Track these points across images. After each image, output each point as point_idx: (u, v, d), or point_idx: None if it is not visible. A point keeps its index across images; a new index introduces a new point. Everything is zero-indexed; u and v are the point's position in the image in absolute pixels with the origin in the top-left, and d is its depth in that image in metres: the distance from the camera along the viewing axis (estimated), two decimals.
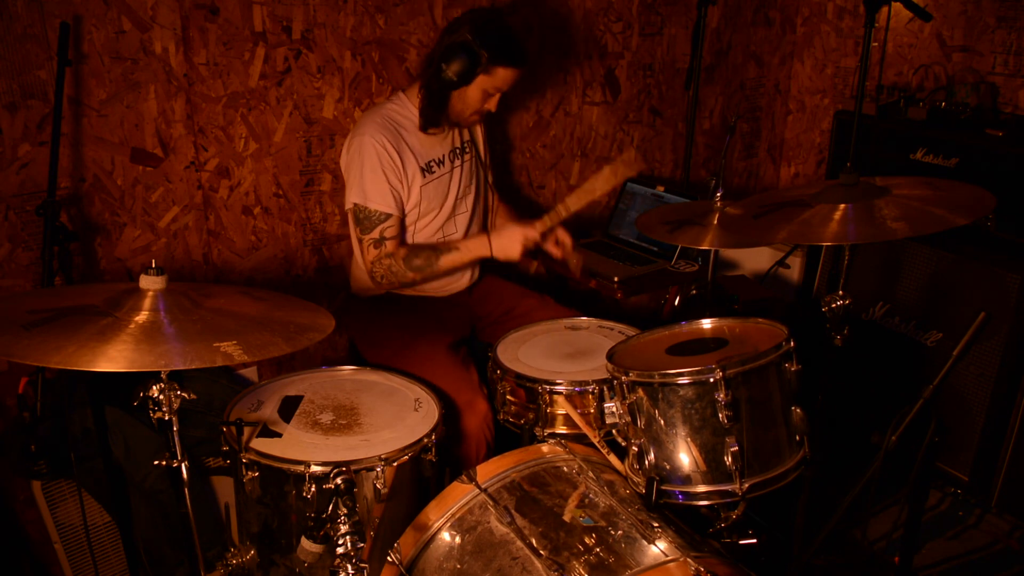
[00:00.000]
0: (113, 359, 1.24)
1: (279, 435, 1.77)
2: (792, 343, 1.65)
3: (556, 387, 1.92)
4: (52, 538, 2.08)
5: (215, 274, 2.45)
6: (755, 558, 1.76)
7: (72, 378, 2.02)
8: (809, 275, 3.12)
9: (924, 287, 2.63)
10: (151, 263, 1.44)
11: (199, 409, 2.13)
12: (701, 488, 1.60)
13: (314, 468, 1.63)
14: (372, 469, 1.68)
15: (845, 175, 1.74)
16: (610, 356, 1.74)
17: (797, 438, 1.66)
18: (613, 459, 1.77)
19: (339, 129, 2.54)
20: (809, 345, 1.73)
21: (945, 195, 1.71)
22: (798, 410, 1.65)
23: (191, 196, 2.36)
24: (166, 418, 1.42)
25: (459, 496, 1.64)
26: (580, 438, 1.89)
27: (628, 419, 1.66)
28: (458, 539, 1.58)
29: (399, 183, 2.22)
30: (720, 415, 1.55)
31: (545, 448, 1.78)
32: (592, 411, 1.92)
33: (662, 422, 1.61)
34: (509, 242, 2.22)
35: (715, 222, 2.05)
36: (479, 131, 2.50)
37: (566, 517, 1.57)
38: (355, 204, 2.20)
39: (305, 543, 1.57)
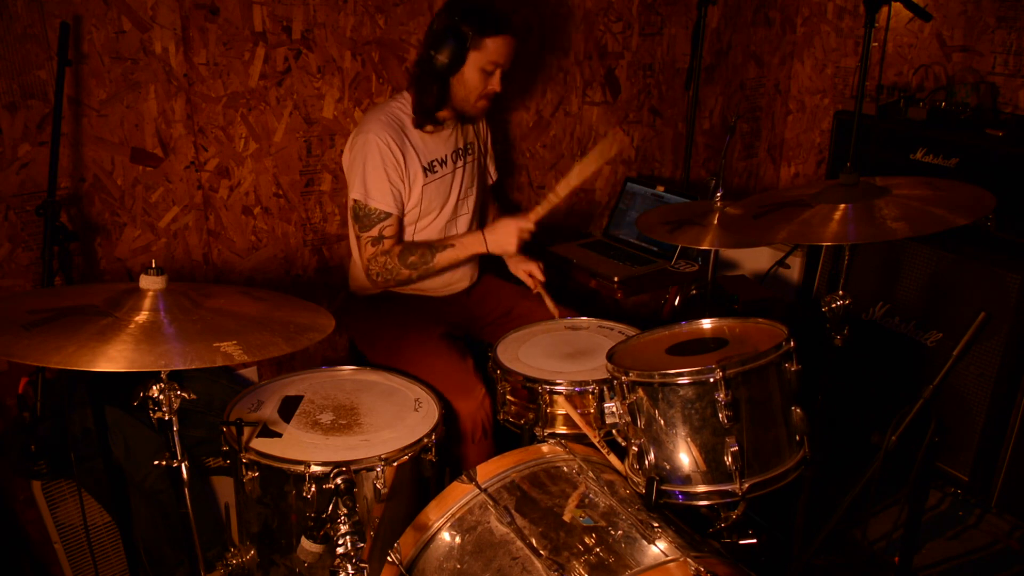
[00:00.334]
0: (113, 359, 1.24)
1: (279, 435, 1.77)
2: (792, 343, 1.65)
3: (556, 387, 1.92)
4: (52, 538, 2.08)
5: (215, 274, 2.45)
6: (755, 558, 1.76)
7: (72, 378, 2.02)
8: (809, 275, 3.12)
9: (924, 287, 2.63)
10: (151, 263, 1.44)
11: (199, 409, 2.13)
12: (701, 488, 1.60)
13: (314, 468, 1.64)
14: (372, 469, 1.68)
15: (845, 175, 1.74)
16: (610, 356, 1.74)
17: (797, 438, 1.66)
18: (613, 459, 1.77)
19: (339, 129, 2.54)
20: (809, 345, 1.73)
21: (945, 195, 1.71)
22: (798, 410, 1.65)
23: (191, 196, 2.36)
24: (166, 418, 1.42)
25: (459, 496, 1.64)
26: (580, 438, 1.89)
27: (628, 419, 1.66)
28: (458, 539, 1.58)
29: (401, 182, 2.22)
30: (720, 415, 1.55)
31: (545, 448, 1.78)
32: (592, 411, 1.92)
33: (662, 422, 1.61)
34: (504, 235, 2.23)
35: (715, 222, 2.06)
36: (483, 131, 2.50)
37: (566, 517, 1.57)
38: (355, 201, 2.20)
39: (305, 543, 1.57)
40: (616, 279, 2.62)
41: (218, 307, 1.46)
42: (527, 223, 2.22)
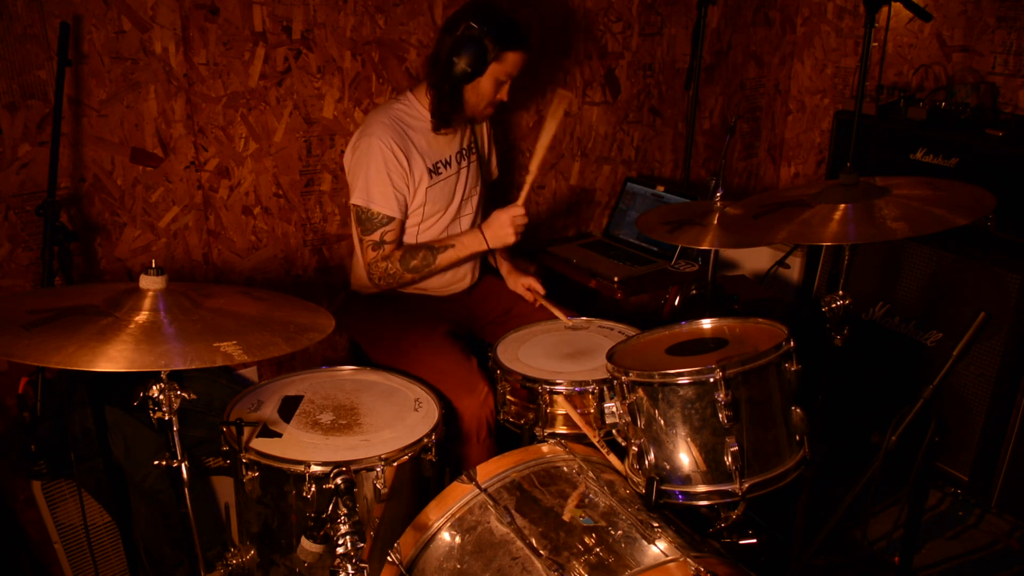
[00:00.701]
0: (113, 359, 1.24)
1: (279, 435, 1.77)
2: (792, 343, 1.65)
3: (556, 387, 1.92)
4: (52, 538, 2.08)
5: (215, 274, 2.45)
6: (755, 558, 1.76)
7: (72, 378, 2.02)
8: (809, 275, 3.12)
9: (924, 287, 2.63)
10: (151, 263, 1.44)
11: (199, 409, 2.13)
12: (701, 488, 1.60)
13: (314, 468, 1.64)
14: (372, 469, 1.68)
15: (845, 175, 1.74)
16: (610, 356, 1.74)
17: (797, 438, 1.66)
18: (613, 459, 1.77)
19: (339, 129, 2.54)
20: (809, 345, 1.73)
21: (945, 195, 1.71)
22: (798, 410, 1.65)
23: (191, 196, 2.36)
24: (166, 418, 1.42)
25: (459, 496, 1.64)
26: (580, 438, 1.89)
27: (628, 419, 1.66)
28: (458, 539, 1.58)
29: (404, 186, 2.22)
30: (720, 415, 1.55)
31: (545, 448, 1.78)
32: (592, 411, 1.92)
33: (662, 422, 1.61)
34: (500, 228, 2.24)
35: (715, 222, 2.05)
36: (485, 131, 2.50)
37: (566, 517, 1.57)
38: (357, 205, 2.20)
39: (305, 543, 1.57)
40: (616, 279, 2.62)
41: (218, 307, 1.46)
42: (517, 209, 2.23)
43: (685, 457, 1.61)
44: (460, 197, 2.37)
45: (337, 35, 2.45)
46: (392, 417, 1.86)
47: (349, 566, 1.47)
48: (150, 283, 1.42)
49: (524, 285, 2.40)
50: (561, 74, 2.96)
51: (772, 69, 3.59)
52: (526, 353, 2.10)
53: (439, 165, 2.29)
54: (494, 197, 2.74)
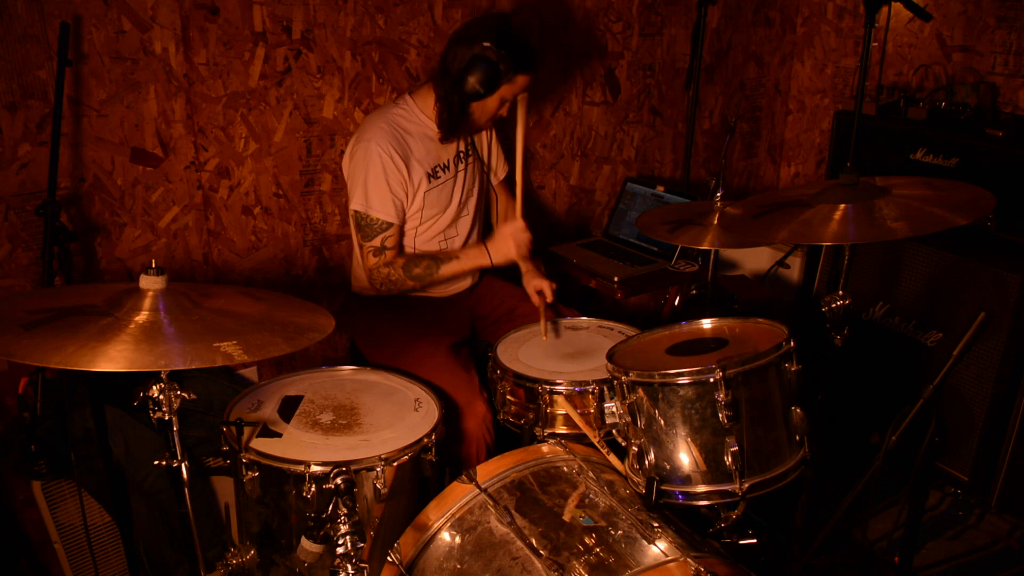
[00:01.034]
0: (113, 359, 1.24)
1: (279, 435, 1.77)
2: (792, 343, 1.65)
3: (556, 387, 1.92)
4: (52, 538, 2.08)
5: (215, 274, 2.45)
6: (755, 558, 1.76)
7: (72, 378, 2.02)
8: (809, 275, 3.12)
9: (924, 287, 2.63)
10: (151, 263, 1.44)
11: (199, 409, 2.13)
12: (701, 488, 1.60)
13: (314, 468, 1.63)
14: (372, 469, 1.68)
15: (845, 175, 1.74)
16: (610, 356, 1.74)
17: (797, 438, 1.66)
18: (613, 459, 1.77)
19: (339, 129, 2.54)
20: (809, 345, 1.73)
21: (945, 195, 1.71)
22: (798, 410, 1.65)
23: (191, 196, 2.36)
24: (166, 418, 1.42)
25: (459, 496, 1.64)
26: (580, 438, 1.89)
27: (628, 419, 1.66)
28: (458, 539, 1.58)
29: (402, 192, 2.22)
30: (720, 415, 1.55)
31: (545, 448, 1.79)
32: (592, 411, 1.92)
33: (662, 422, 1.61)
34: (501, 243, 2.24)
35: (715, 222, 2.05)
36: (484, 133, 2.50)
37: (566, 517, 1.57)
38: (356, 211, 2.20)
39: (305, 543, 1.57)
40: (616, 279, 2.62)
41: (218, 307, 1.46)
42: (517, 223, 2.22)
43: (685, 457, 1.61)
44: (458, 200, 2.37)
45: (337, 35, 2.45)
46: (392, 417, 1.86)
47: (349, 566, 1.47)
48: (150, 283, 1.42)
49: (536, 287, 2.37)
50: (561, 74, 2.96)
51: (772, 69, 3.59)
52: (526, 353, 2.10)
53: (437, 169, 2.29)
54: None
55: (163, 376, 1.40)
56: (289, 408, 1.88)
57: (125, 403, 2.03)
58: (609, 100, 3.13)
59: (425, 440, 1.77)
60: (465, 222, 2.42)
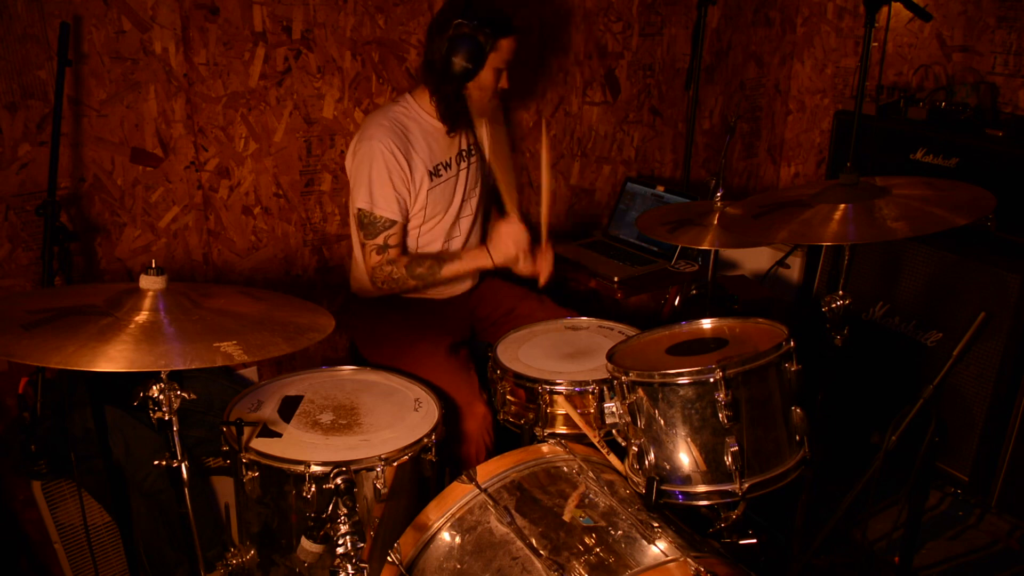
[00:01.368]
0: (113, 359, 1.24)
1: (279, 435, 1.77)
2: (792, 343, 1.65)
3: (556, 387, 1.92)
4: (52, 538, 2.08)
5: (215, 274, 2.45)
6: (755, 558, 1.76)
7: (72, 378, 2.02)
8: (809, 275, 3.12)
9: (924, 287, 2.63)
10: (151, 263, 1.44)
11: (199, 409, 2.13)
12: (701, 488, 1.60)
13: (314, 468, 1.63)
14: (372, 469, 1.68)
15: (845, 175, 1.74)
16: (610, 356, 1.74)
17: (797, 438, 1.66)
18: (613, 459, 1.77)
19: (339, 129, 2.54)
20: (809, 345, 1.73)
21: (945, 195, 1.71)
22: (798, 410, 1.65)
23: (191, 196, 2.36)
24: (166, 418, 1.42)
25: (459, 496, 1.64)
26: (580, 438, 1.88)
27: (628, 419, 1.66)
28: (458, 539, 1.58)
29: (405, 190, 2.21)
30: (720, 415, 1.55)
31: (545, 448, 1.78)
32: (592, 411, 1.92)
33: (662, 422, 1.61)
34: (501, 244, 2.22)
35: (715, 222, 2.05)
36: (485, 132, 2.50)
37: (566, 517, 1.57)
38: (360, 209, 2.20)
39: (305, 543, 1.57)
40: (616, 279, 2.62)
41: (218, 307, 1.46)
42: (514, 224, 2.20)
43: (685, 457, 1.61)
44: (460, 198, 2.37)
45: (337, 35, 2.45)
46: (392, 417, 1.86)
47: (349, 566, 1.47)
48: (150, 283, 1.42)
49: (532, 271, 2.33)
50: (561, 74, 2.97)
51: (772, 69, 3.59)
52: (526, 353, 2.10)
53: (439, 167, 2.29)
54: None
55: (163, 376, 1.40)
56: (289, 408, 1.88)
57: (125, 403, 2.03)
58: (609, 100, 3.13)
59: (425, 440, 1.77)
60: (467, 221, 2.42)
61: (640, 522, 1.54)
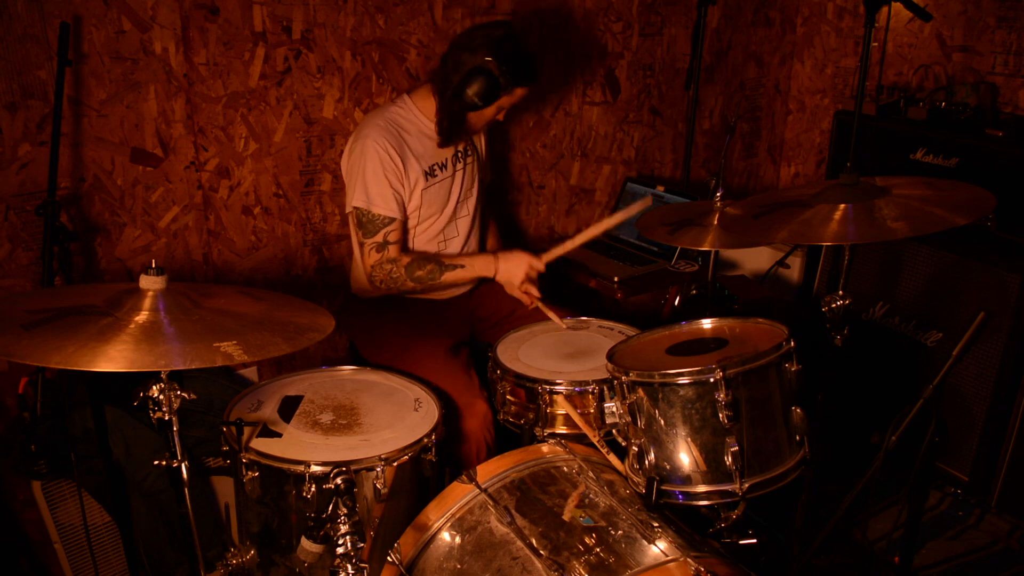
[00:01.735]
0: (113, 359, 1.24)
1: (279, 435, 1.77)
2: (792, 343, 1.65)
3: (556, 387, 1.92)
4: (52, 538, 2.08)
5: (215, 274, 2.45)
6: (755, 558, 1.76)
7: (72, 378, 2.02)
8: (809, 275, 3.12)
9: (924, 287, 2.63)
10: (151, 263, 1.44)
11: (199, 409, 2.13)
12: (701, 488, 1.60)
13: (314, 468, 1.63)
14: (372, 469, 1.68)
15: (845, 175, 1.74)
16: (610, 356, 1.74)
17: (797, 438, 1.66)
18: (613, 459, 1.77)
19: (339, 129, 2.54)
20: (809, 345, 1.73)
21: (945, 195, 1.71)
22: (798, 410, 1.65)
23: (191, 196, 2.36)
24: (166, 418, 1.42)
25: (459, 496, 1.64)
26: (580, 438, 1.88)
27: (628, 419, 1.66)
28: (458, 539, 1.58)
29: (401, 188, 2.22)
30: (720, 415, 1.55)
31: (545, 448, 1.79)
32: (592, 411, 1.92)
33: (662, 422, 1.61)
34: (515, 269, 2.26)
35: (715, 222, 2.05)
36: (482, 135, 2.50)
37: (566, 517, 1.57)
38: (357, 208, 2.20)
39: (305, 543, 1.57)
40: (616, 279, 2.62)
41: (218, 307, 1.46)
42: (539, 263, 2.25)
43: (685, 457, 1.61)
44: (456, 199, 2.37)
45: (337, 35, 2.45)
46: (392, 417, 1.86)
47: (349, 566, 1.47)
48: (150, 283, 1.42)
49: (523, 289, 2.38)
50: (561, 74, 2.97)
51: (772, 69, 3.59)
52: (526, 353, 2.10)
53: (435, 167, 2.29)
54: (494, 198, 2.75)
55: (163, 376, 1.40)
56: (289, 408, 1.88)
57: (125, 403, 2.03)
58: (609, 100, 3.13)
59: (425, 440, 1.77)
60: (464, 222, 2.42)
61: (640, 522, 1.54)
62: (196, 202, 2.37)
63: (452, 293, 2.45)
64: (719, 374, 1.54)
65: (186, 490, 1.49)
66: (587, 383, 1.92)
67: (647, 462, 1.63)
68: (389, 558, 1.61)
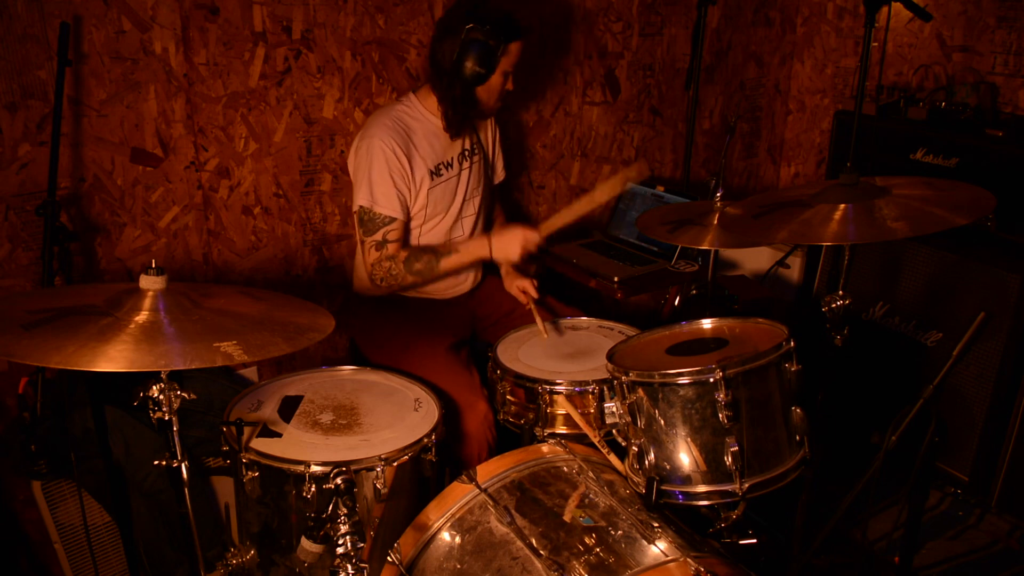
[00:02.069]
0: (113, 359, 1.24)
1: (279, 435, 1.77)
2: (792, 343, 1.65)
3: (556, 387, 1.92)
4: (52, 538, 2.08)
5: (215, 274, 2.45)
6: (755, 558, 1.76)
7: (72, 378, 2.02)
8: (809, 275, 3.12)
9: (924, 287, 2.63)
10: (151, 263, 1.44)
11: (199, 409, 2.13)
12: (701, 488, 1.60)
13: (314, 468, 1.63)
14: (372, 469, 1.68)
15: (845, 175, 1.74)
16: (610, 356, 1.74)
17: (797, 438, 1.66)
18: (613, 459, 1.77)
19: (339, 129, 2.54)
20: (809, 345, 1.73)
21: (945, 195, 1.71)
22: (798, 410, 1.65)
23: (191, 196, 2.36)
24: (166, 418, 1.42)
25: (459, 496, 1.64)
26: (580, 438, 1.89)
27: (628, 419, 1.66)
28: (458, 539, 1.58)
29: (406, 188, 2.22)
30: (720, 415, 1.55)
31: (545, 448, 1.78)
32: (592, 411, 1.92)
33: (662, 422, 1.61)
34: (509, 243, 2.22)
35: (715, 222, 2.05)
36: (489, 132, 2.50)
37: (566, 517, 1.57)
38: (361, 206, 2.20)
39: (305, 543, 1.57)
40: (616, 279, 2.62)
41: (218, 307, 1.46)
42: (534, 234, 2.22)
43: (685, 457, 1.61)
44: (462, 198, 2.37)
45: (337, 35, 2.45)
46: (392, 417, 1.86)
47: (349, 566, 1.47)
48: (150, 283, 1.42)
49: (519, 287, 2.38)
50: (561, 74, 2.97)
51: (772, 69, 3.59)
52: (526, 353, 2.10)
53: (441, 167, 2.29)
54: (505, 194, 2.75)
55: (163, 376, 1.40)
56: (289, 408, 1.88)
57: (125, 403, 2.03)
58: (609, 100, 3.13)
59: (425, 440, 1.77)
60: (470, 220, 2.42)
61: (640, 522, 1.54)
62: (196, 202, 2.37)
63: (453, 292, 2.45)
64: (719, 374, 1.54)
65: (186, 490, 1.49)
66: (587, 383, 1.92)
67: (647, 462, 1.63)
68: (389, 558, 1.62)
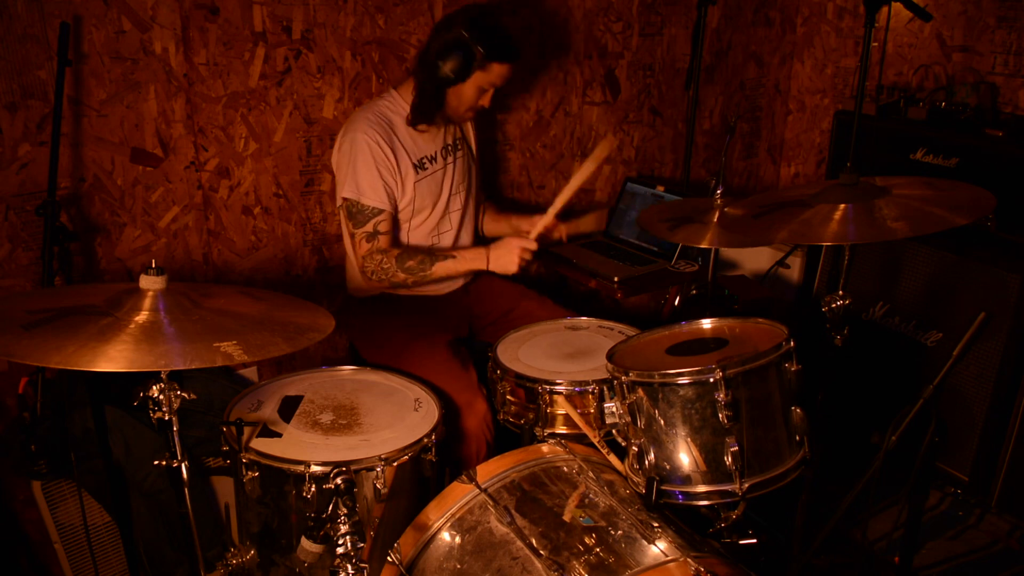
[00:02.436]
0: (113, 359, 1.24)
1: (279, 435, 1.77)
2: (792, 343, 1.65)
3: (556, 387, 1.92)
4: (52, 538, 2.08)
5: (215, 274, 2.45)
6: (755, 558, 1.76)
7: (72, 378, 2.02)
8: (809, 275, 3.12)
9: (924, 287, 2.63)
10: (151, 263, 1.44)
11: (199, 409, 2.13)
12: (701, 488, 1.60)
13: (314, 468, 1.64)
14: (372, 469, 1.68)
15: (845, 175, 1.74)
16: (610, 356, 1.74)
17: (797, 438, 1.66)
18: (613, 459, 1.77)
19: (339, 129, 2.53)
20: (809, 345, 1.73)
21: (945, 195, 1.71)
22: (798, 410, 1.65)
23: (191, 196, 2.36)
24: (166, 418, 1.42)
25: (459, 496, 1.64)
26: (580, 438, 1.88)
27: (628, 419, 1.66)
28: (458, 539, 1.58)
29: (392, 179, 2.22)
30: (720, 415, 1.55)
31: (545, 448, 1.78)
32: (592, 411, 1.92)
33: (662, 422, 1.61)
34: (506, 254, 2.23)
35: (715, 220, 2.05)
36: (470, 128, 2.50)
37: (566, 517, 1.57)
38: (346, 199, 2.19)
39: (305, 543, 1.57)
40: (616, 279, 2.62)
41: (218, 307, 1.46)
42: (529, 243, 2.23)
43: (685, 457, 1.61)
44: (448, 192, 2.37)
45: (337, 35, 2.45)
46: (392, 417, 1.86)
47: (349, 566, 1.47)
48: (150, 283, 1.42)
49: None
50: (561, 74, 2.97)
51: (772, 69, 3.59)
52: (526, 353, 2.10)
53: (424, 160, 2.29)
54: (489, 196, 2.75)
55: (163, 376, 1.40)
56: (289, 408, 1.88)
57: (125, 403, 2.03)
58: (609, 100, 3.13)
59: (425, 440, 1.77)
60: (457, 215, 2.42)
61: (640, 522, 1.54)
62: (196, 202, 2.37)
63: (447, 288, 2.44)
64: (719, 374, 1.54)
65: (186, 490, 1.49)
66: (587, 383, 1.92)
67: (647, 462, 1.63)
68: (389, 558, 1.62)
